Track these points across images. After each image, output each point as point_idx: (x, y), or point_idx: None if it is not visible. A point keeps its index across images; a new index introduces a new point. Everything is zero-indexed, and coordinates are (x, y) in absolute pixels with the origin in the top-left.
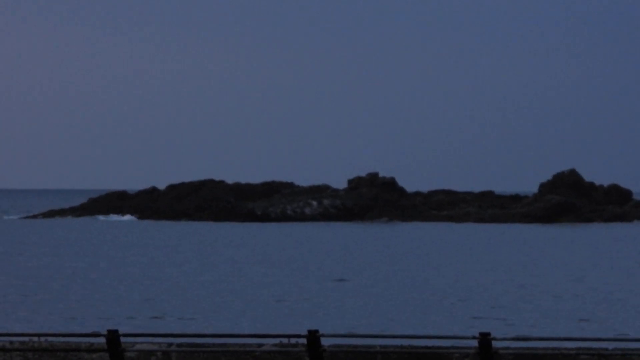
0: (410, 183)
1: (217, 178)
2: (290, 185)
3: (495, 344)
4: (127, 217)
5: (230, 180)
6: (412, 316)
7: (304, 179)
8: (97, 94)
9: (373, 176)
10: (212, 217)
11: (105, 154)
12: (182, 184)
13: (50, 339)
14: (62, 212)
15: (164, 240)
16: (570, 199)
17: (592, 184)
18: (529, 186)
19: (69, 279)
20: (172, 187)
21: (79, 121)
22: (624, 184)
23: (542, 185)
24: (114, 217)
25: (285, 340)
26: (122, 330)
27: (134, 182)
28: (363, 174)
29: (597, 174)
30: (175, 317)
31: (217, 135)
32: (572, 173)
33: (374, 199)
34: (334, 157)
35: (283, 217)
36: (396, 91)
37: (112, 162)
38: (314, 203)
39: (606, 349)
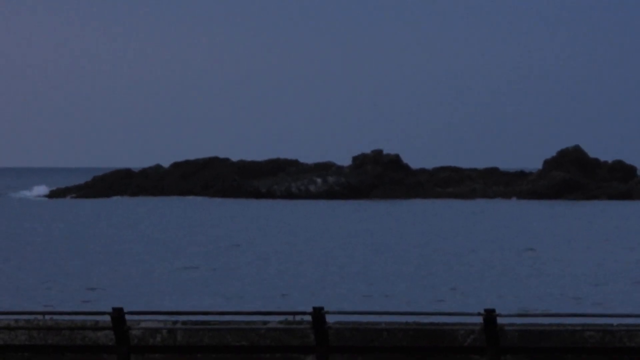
0: (414, 159)
1: (221, 155)
2: (295, 162)
3: (500, 320)
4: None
5: (234, 157)
6: (417, 293)
7: (308, 157)
8: (98, 72)
9: (377, 153)
10: (217, 195)
11: (106, 132)
12: (187, 162)
13: (55, 317)
14: (67, 191)
15: (170, 218)
16: (574, 176)
17: (596, 160)
18: (534, 162)
19: (79, 257)
20: (176, 165)
21: (81, 98)
22: (628, 159)
23: (546, 162)
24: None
25: (290, 318)
26: (127, 308)
27: (137, 160)
28: (367, 150)
29: (601, 149)
30: (180, 295)
31: (220, 112)
32: (577, 149)
33: (379, 177)
34: (338, 134)
35: (288, 195)
36: (400, 67)
37: (113, 139)
38: (319, 180)
39: (611, 325)
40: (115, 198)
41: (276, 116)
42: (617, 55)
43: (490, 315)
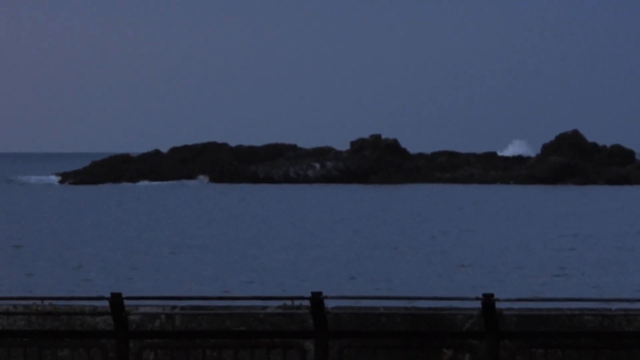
0: (413, 144)
1: (219, 140)
2: (294, 147)
3: (498, 304)
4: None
5: (233, 142)
6: (416, 278)
7: (306, 141)
8: (96, 57)
9: (376, 138)
10: (215, 180)
11: (104, 117)
12: (185, 147)
13: (53, 302)
14: (65, 176)
15: (167, 204)
16: (573, 160)
17: (594, 145)
18: (533, 146)
19: (77, 243)
20: (175, 150)
21: (79, 84)
22: (626, 143)
23: (544, 146)
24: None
25: (289, 303)
26: (125, 293)
27: (135, 145)
28: (365, 135)
29: (599, 134)
30: (179, 281)
31: (219, 97)
32: (575, 134)
33: (377, 161)
34: (336, 119)
35: (286, 180)
36: (398, 52)
37: (112, 124)
38: (317, 165)
39: (609, 310)
40: (121, 184)
41: (275, 101)
42: (615, 40)
43: (488, 300)
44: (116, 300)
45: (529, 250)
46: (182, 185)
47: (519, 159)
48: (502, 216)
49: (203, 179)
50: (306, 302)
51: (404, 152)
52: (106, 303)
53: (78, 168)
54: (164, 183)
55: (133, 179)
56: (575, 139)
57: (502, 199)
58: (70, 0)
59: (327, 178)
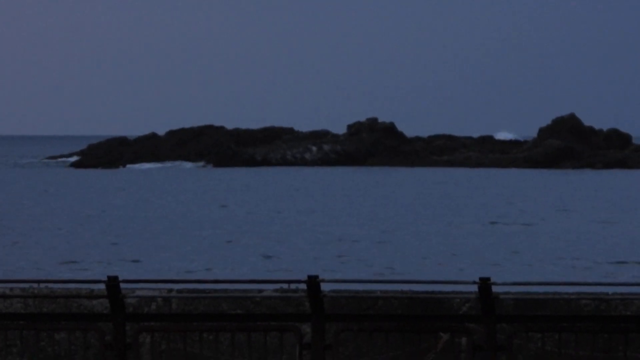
0: (409, 127)
1: (216, 123)
2: (291, 130)
3: (495, 288)
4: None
5: (230, 125)
6: (413, 261)
7: (303, 125)
8: (93, 40)
9: (372, 121)
10: (212, 163)
11: (101, 100)
12: (182, 130)
13: (50, 285)
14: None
15: (161, 187)
16: (570, 144)
17: (591, 129)
18: (529, 131)
19: (71, 226)
20: (172, 133)
21: (76, 67)
22: (623, 127)
23: (541, 130)
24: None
25: (285, 286)
26: (122, 276)
27: (132, 128)
28: (362, 119)
29: (596, 118)
30: (175, 264)
31: (216, 80)
32: (572, 117)
33: (374, 145)
34: (333, 102)
35: (283, 163)
36: (395, 36)
37: (109, 107)
38: (314, 148)
39: (606, 294)
40: (117, 167)
41: (272, 85)
42: (611, 25)
43: (485, 284)
44: (113, 283)
45: (525, 234)
46: (179, 168)
47: (516, 143)
48: (499, 199)
49: (200, 162)
50: (303, 286)
51: (400, 135)
52: (103, 286)
53: (75, 151)
54: (161, 166)
55: (130, 162)
56: (572, 122)
57: (498, 182)
58: None
59: (324, 161)
